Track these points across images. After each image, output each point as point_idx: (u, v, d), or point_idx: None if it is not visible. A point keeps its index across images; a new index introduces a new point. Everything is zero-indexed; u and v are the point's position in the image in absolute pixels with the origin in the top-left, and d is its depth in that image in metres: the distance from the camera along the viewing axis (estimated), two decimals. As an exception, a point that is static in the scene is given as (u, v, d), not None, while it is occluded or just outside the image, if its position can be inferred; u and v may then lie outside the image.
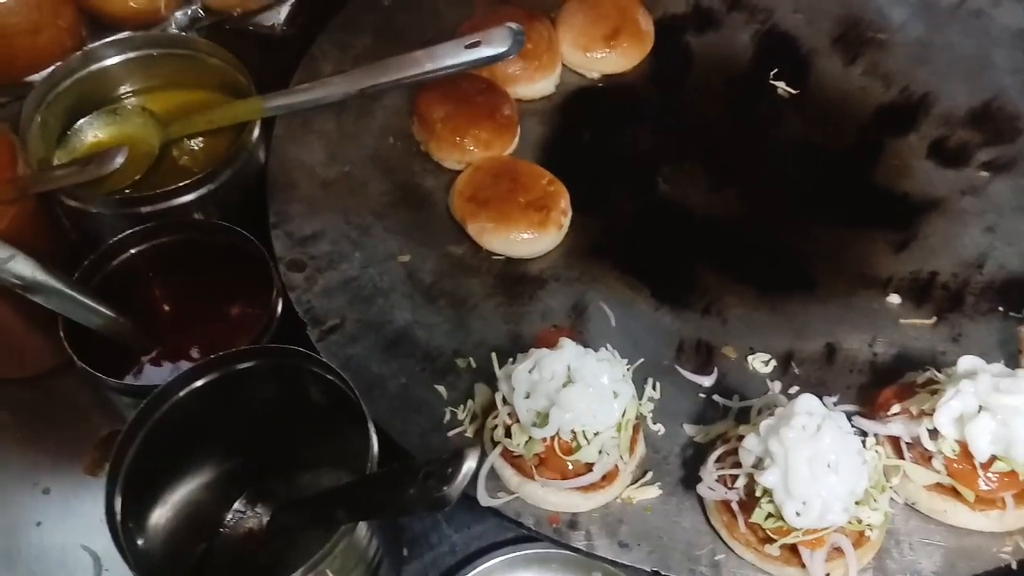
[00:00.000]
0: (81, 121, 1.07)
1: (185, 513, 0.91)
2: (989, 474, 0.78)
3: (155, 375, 0.97)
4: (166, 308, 1.01)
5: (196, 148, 1.08)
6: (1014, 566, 0.79)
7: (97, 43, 1.06)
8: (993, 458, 0.78)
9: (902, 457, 0.83)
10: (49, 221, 1.02)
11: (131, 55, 1.07)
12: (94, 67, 1.06)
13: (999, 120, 1.15)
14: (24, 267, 0.86)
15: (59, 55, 1.05)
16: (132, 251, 0.96)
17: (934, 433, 0.80)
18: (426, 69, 0.97)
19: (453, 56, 0.96)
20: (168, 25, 1.11)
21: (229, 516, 0.96)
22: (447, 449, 0.86)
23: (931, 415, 0.79)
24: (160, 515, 0.87)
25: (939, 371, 0.86)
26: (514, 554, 0.92)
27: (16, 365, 1.07)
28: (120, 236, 0.95)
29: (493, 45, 0.95)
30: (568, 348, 0.81)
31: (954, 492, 0.80)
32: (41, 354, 1.06)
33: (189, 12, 1.11)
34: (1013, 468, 0.76)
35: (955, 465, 0.79)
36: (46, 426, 1.07)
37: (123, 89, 1.10)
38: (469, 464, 0.61)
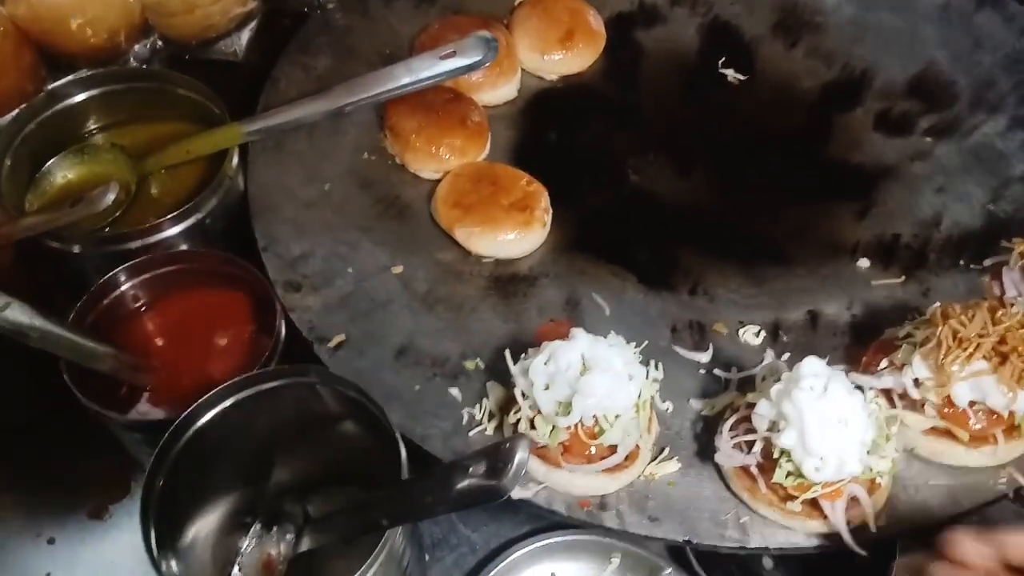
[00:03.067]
0: (50, 163, 1.05)
1: (206, 543, 0.90)
2: (979, 413, 0.84)
3: (158, 408, 0.95)
4: (160, 341, 1.00)
5: (166, 178, 1.07)
6: (1011, 496, 0.86)
7: (61, 82, 1.04)
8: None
9: (894, 407, 0.89)
10: (27, 266, 0.99)
11: (96, 91, 1.06)
12: (59, 106, 1.05)
13: (935, 89, 1.23)
14: (21, 314, 0.84)
15: (20, 98, 1.03)
16: (123, 287, 0.96)
17: (916, 383, 0.86)
18: (404, 82, 0.99)
19: (430, 68, 0.98)
20: (127, 58, 1.10)
21: (246, 542, 0.96)
22: (471, 450, 0.88)
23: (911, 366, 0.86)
24: (185, 546, 0.87)
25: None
26: (534, 545, 0.94)
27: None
28: (111, 274, 0.93)
29: (468, 54, 0.98)
30: (581, 338, 0.84)
31: (949, 434, 0.86)
32: (18, 406, 1.04)
33: (148, 44, 1.10)
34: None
35: (945, 409, 0.85)
36: (41, 475, 1.04)
37: (89, 126, 1.08)
38: (522, 455, 0.63)
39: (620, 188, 1.17)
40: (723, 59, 1.28)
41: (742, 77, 1.27)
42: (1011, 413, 0.84)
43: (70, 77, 1.06)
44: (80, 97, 1.05)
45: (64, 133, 1.06)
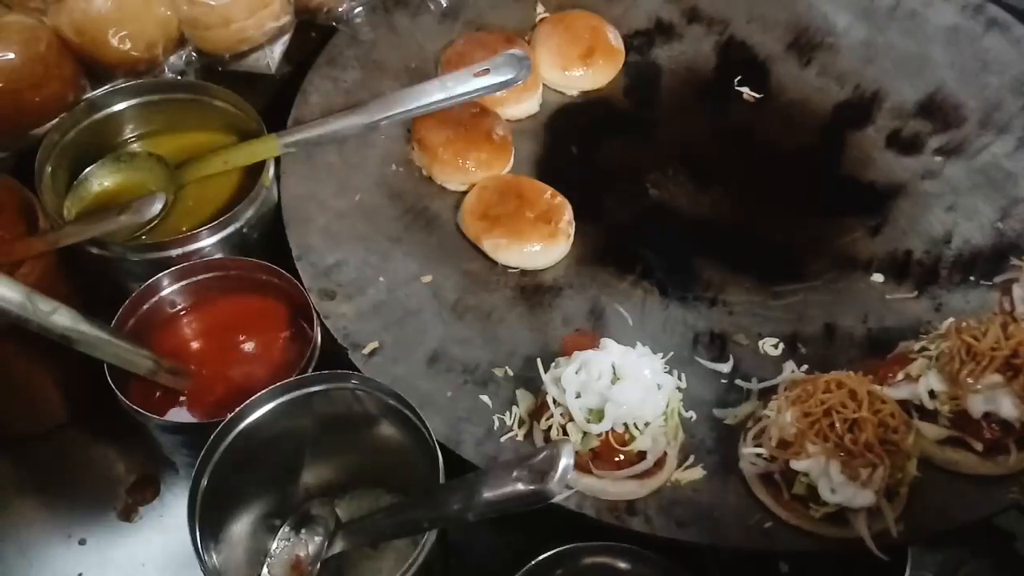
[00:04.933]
0: (88, 170, 1.08)
1: (238, 542, 0.93)
2: (992, 424, 0.88)
3: (192, 412, 0.98)
4: (197, 346, 1.02)
5: (201, 187, 1.09)
6: (1023, 504, 0.89)
7: (101, 91, 1.07)
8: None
9: (911, 417, 0.92)
10: (68, 270, 1.02)
11: (134, 101, 1.09)
12: (98, 115, 1.08)
13: (944, 109, 1.27)
14: (67, 319, 0.87)
15: (62, 107, 1.05)
16: (163, 293, 0.98)
17: (932, 394, 0.90)
18: (438, 98, 1.02)
19: (464, 85, 1.01)
20: (162, 70, 1.12)
21: (275, 544, 0.98)
22: (502, 455, 0.91)
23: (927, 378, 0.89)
24: (220, 544, 0.89)
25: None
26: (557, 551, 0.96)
27: (28, 421, 1.07)
28: (152, 280, 0.96)
29: (501, 72, 1.01)
30: (611, 348, 0.87)
31: (963, 444, 0.89)
32: (55, 409, 1.06)
33: (183, 56, 1.13)
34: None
35: (960, 421, 0.89)
36: (69, 479, 1.06)
37: (127, 135, 1.11)
38: (567, 460, 0.66)
39: (640, 202, 1.20)
40: (739, 77, 1.32)
41: (757, 95, 1.31)
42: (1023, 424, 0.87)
43: (109, 87, 1.09)
44: (119, 106, 1.08)
45: (102, 141, 1.09)
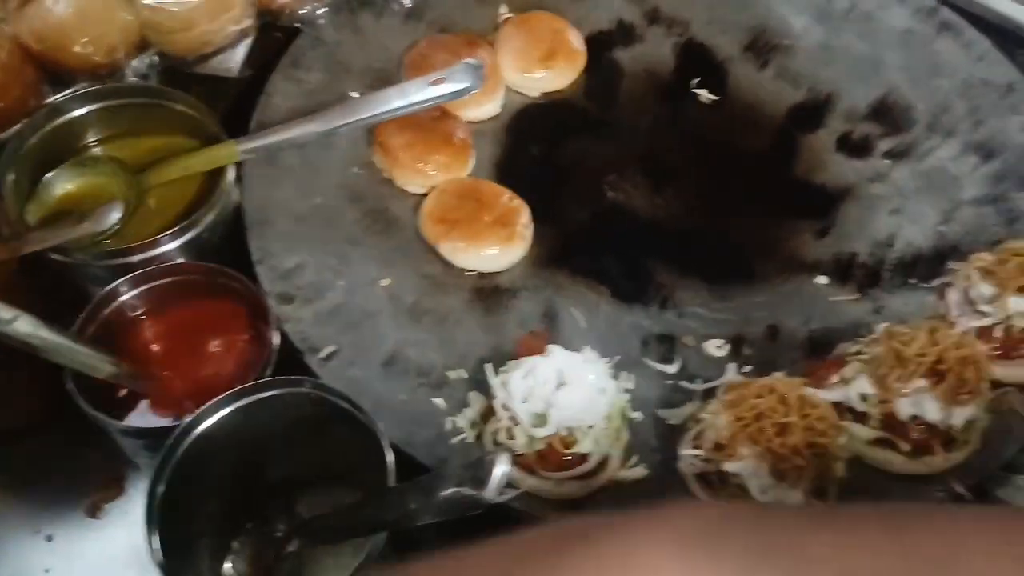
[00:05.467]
0: (50, 175, 1.09)
1: (200, 541, 0.96)
2: (919, 426, 0.92)
3: (155, 412, 1.01)
4: (158, 349, 1.05)
5: (163, 190, 1.11)
6: (948, 502, 0.94)
7: (62, 96, 1.08)
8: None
9: (843, 419, 0.96)
10: (30, 276, 1.04)
11: (95, 106, 1.09)
12: (59, 120, 1.08)
13: (895, 112, 1.30)
14: (28, 326, 0.89)
15: (23, 113, 1.07)
16: (123, 298, 1.00)
17: (862, 397, 0.94)
18: (396, 106, 1.04)
19: (420, 93, 1.03)
20: (125, 73, 1.14)
21: (235, 542, 1.01)
22: (454, 457, 0.95)
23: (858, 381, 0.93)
24: (181, 544, 0.92)
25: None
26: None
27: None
28: (112, 285, 0.98)
29: (457, 81, 1.03)
30: (557, 354, 0.91)
31: (892, 445, 0.94)
32: (23, 409, 1.08)
33: (146, 59, 1.14)
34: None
35: (891, 423, 0.93)
36: (37, 476, 1.09)
37: (89, 139, 1.12)
38: (502, 467, 0.69)
39: (597, 204, 1.23)
40: (697, 79, 1.34)
41: (714, 97, 1.33)
42: (948, 427, 0.91)
43: (70, 91, 1.10)
44: (80, 111, 1.09)
45: (64, 146, 1.10)
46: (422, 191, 1.18)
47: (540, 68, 1.30)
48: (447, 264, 1.13)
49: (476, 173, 1.22)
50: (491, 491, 0.69)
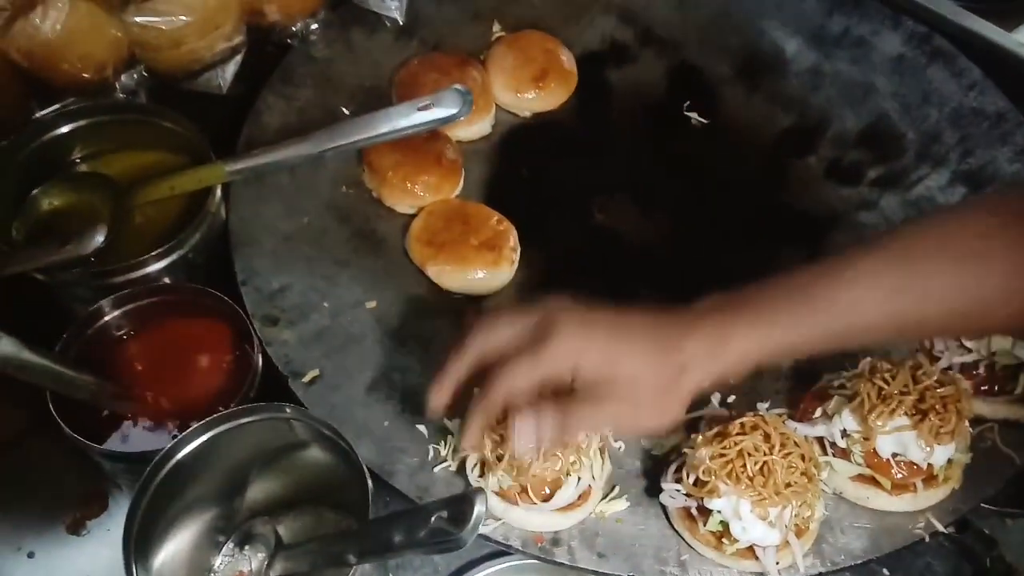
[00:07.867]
0: (37, 191, 1.09)
1: (181, 561, 0.95)
2: (900, 464, 0.92)
3: (139, 436, 1.00)
4: (141, 370, 1.05)
5: (149, 208, 1.11)
6: (927, 539, 0.94)
7: (49, 112, 1.08)
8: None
9: (826, 453, 0.97)
10: (13, 297, 1.03)
11: (83, 122, 1.09)
12: (46, 136, 1.08)
13: (885, 139, 1.30)
14: (10, 347, 0.89)
15: (10, 128, 1.06)
16: (106, 318, 1.00)
17: (844, 433, 0.94)
18: (383, 131, 1.04)
19: (407, 118, 1.03)
20: (114, 89, 1.13)
21: (218, 561, 1.01)
22: (435, 486, 0.95)
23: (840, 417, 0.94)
24: (162, 565, 0.92)
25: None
26: (501, 565, 1.01)
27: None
28: (95, 306, 0.98)
29: (444, 106, 1.03)
30: (540, 386, 0.90)
31: (873, 481, 0.94)
32: (5, 425, 1.08)
33: (135, 76, 1.14)
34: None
35: (870, 459, 0.93)
36: (19, 493, 1.09)
37: (75, 155, 1.12)
38: (479, 508, 0.69)
39: (586, 227, 1.23)
40: (688, 102, 1.34)
41: (704, 121, 1.33)
42: (929, 465, 0.92)
43: (57, 107, 1.09)
44: (67, 128, 1.09)
45: (51, 162, 1.09)
46: (411, 211, 1.18)
47: (531, 88, 1.30)
48: (434, 286, 1.13)
49: (466, 193, 1.22)
50: (469, 532, 0.69)
